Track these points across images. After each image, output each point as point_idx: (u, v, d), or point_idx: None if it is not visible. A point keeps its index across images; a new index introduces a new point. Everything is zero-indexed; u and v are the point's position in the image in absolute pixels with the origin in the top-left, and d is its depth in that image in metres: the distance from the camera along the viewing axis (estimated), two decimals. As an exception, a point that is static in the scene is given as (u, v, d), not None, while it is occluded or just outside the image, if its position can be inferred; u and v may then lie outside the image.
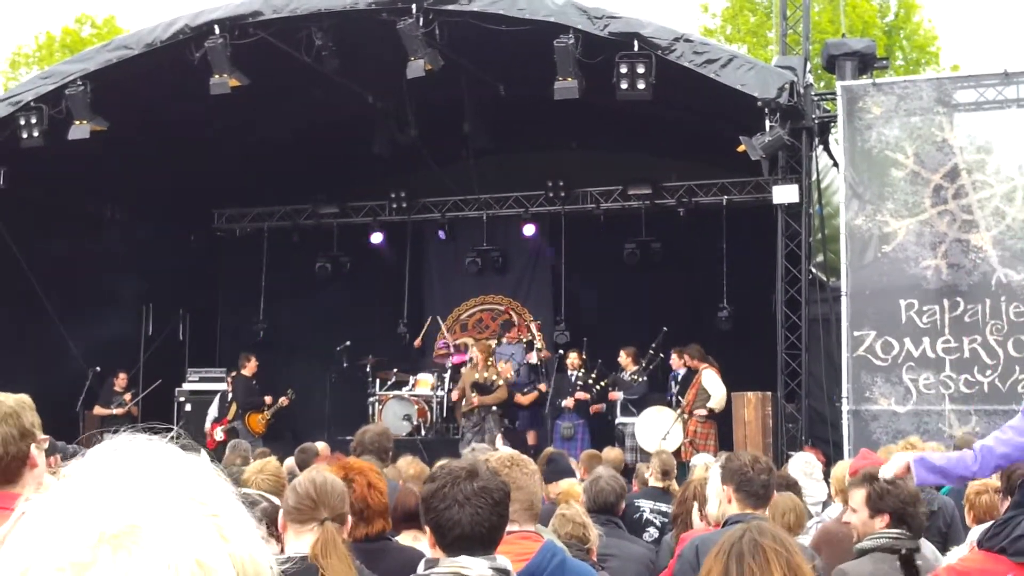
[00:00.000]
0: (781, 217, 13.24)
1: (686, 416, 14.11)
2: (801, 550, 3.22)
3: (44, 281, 16.06)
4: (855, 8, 29.69)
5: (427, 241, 19.75)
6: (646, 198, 17.82)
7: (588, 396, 15.68)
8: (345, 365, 18.32)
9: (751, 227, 15.90)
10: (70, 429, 15.37)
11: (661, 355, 15.31)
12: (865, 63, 13.70)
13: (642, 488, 9.34)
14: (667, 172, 17.74)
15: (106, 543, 1.04)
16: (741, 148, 12.72)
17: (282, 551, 3.90)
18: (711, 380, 14.15)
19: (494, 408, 16.36)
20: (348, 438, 11.59)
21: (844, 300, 12.59)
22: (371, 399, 17.79)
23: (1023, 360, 11.85)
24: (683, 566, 4.99)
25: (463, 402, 16.04)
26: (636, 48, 12.54)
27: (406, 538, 5.59)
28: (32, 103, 14.21)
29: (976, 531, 5.44)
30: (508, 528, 3.53)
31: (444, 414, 17.11)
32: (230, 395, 16.83)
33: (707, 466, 7.89)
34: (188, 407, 17.57)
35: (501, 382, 16.22)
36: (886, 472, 4.89)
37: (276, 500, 4.68)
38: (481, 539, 3.25)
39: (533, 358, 17.05)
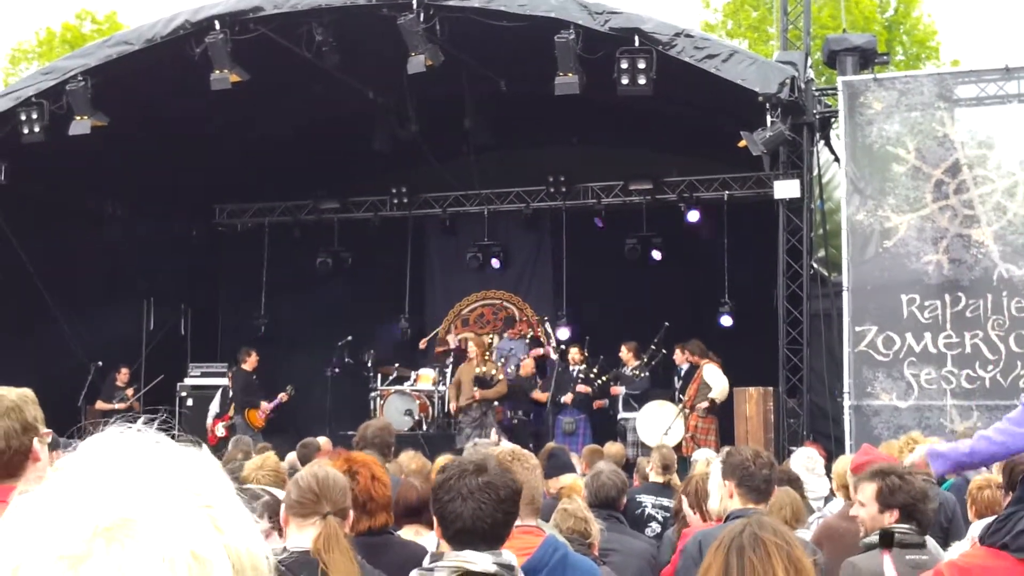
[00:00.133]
0: (782, 212, 13.24)
1: (687, 411, 14.11)
2: (802, 544, 3.22)
3: (45, 276, 16.05)
4: (856, 3, 29.67)
5: (428, 236, 19.74)
6: (647, 193, 17.81)
7: (589, 389, 15.67)
8: (347, 360, 18.32)
9: (752, 222, 15.89)
10: (72, 424, 15.35)
11: (663, 350, 15.30)
12: (866, 58, 13.70)
13: (643, 483, 9.34)
14: (668, 167, 17.73)
15: (100, 536, 1.03)
16: (742, 143, 12.70)
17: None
18: (712, 373, 14.16)
19: (495, 403, 16.39)
20: (350, 433, 11.62)
21: (845, 295, 12.59)
22: (372, 394, 17.80)
23: (1024, 355, 11.87)
24: (686, 561, 4.99)
25: (459, 396, 16.05)
26: (637, 43, 12.54)
27: (408, 533, 5.59)
28: (33, 98, 14.20)
29: (977, 526, 5.44)
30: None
31: (446, 409, 17.11)
32: (231, 393, 16.83)
33: (708, 461, 7.89)
34: (190, 402, 17.60)
35: (501, 376, 16.26)
36: (910, 460, 4.98)
37: (279, 494, 4.68)
38: (483, 534, 3.25)
39: (552, 354, 16.91)
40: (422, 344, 18.54)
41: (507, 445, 4.77)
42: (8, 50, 35.03)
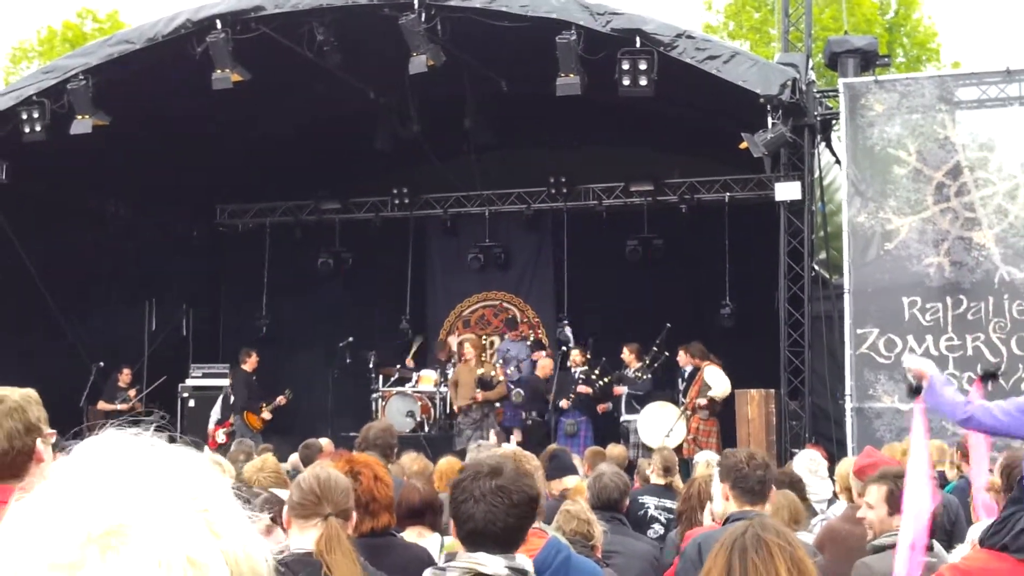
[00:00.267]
0: (783, 214, 13.24)
1: (689, 413, 14.11)
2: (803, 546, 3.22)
3: (47, 276, 16.04)
4: (858, 6, 29.68)
5: (429, 237, 19.74)
6: (648, 195, 17.80)
7: (590, 390, 15.65)
8: (348, 361, 18.32)
9: (753, 224, 15.88)
10: (74, 424, 15.34)
11: (665, 352, 15.27)
12: (867, 60, 13.70)
13: (644, 485, 9.33)
14: (669, 169, 17.72)
15: (94, 543, 1.02)
16: (743, 145, 12.69)
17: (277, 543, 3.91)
18: (713, 374, 14.15)
19: (497, 404, 16.39)
20: (352, 434, 11.63)
21: (847, 297, 12.59)
22: (374, 395, 17.80)
23: (1025, 358, 11.86)
24: (686, 564, 4.99)
25: (458, 397, 16.03)
26: (638, 44, 12.53)
27: (411, 534, 5.59)
28: (34, 97, 14.20)
29: (976, 529, 5.45)
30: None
31: (447, 410, 17.11)
32: (232, 398, 16.78)
33: (709, 463, 7.89)
34: (191, 403, 17.59)
35: (501, 378, 16.26)
36: (909, 362, 5.03)
37: (282, 495, 4.68)
38: (495, 537, 3.25)
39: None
40: (408, 361, 18.43)
41: (507, 447, 4.76)
42: (9, 49, 35.05)
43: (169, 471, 1.10)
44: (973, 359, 12.03)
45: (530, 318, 19.28)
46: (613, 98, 12.84)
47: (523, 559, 3.32)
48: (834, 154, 14.25)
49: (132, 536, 1.02)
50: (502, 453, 4.21)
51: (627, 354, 15.42)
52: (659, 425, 14.13)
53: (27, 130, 14.15)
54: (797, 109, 12.68)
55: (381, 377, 17.96)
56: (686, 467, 11.83)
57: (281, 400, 16.73)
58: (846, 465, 7.25)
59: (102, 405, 16.77)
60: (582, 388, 15.64)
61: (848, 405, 12.34)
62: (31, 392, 3.39)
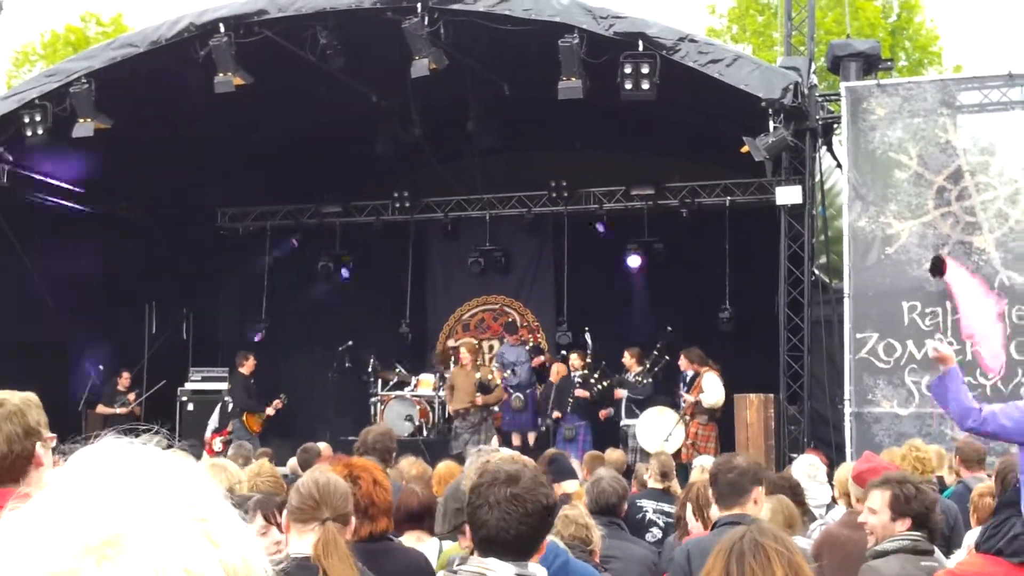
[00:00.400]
0: (784, 218, 13.24)
1: (688, 418, 14.10)
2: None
3: (47, 280, 16.06)
4: (862, 9, 29.68)
5: (430, 241, 19.74)
6: (649, 199, 17.81)
7: (587, 394, 15.65)
8: (347, 365, 18.32)
9: (754, 228, 15.87)
10: (73, 428, 15.38)
11: (666, 356, 15.26)
12: (870, 64, 13.69)
13: (642, 489, 9.33)
14: (670, 173, 17.73)
15: (90, 553, 1.00)
16: (744, 149, 12.70)
17: (284, 543, 3.93)
18: (710, 382, 14.15)
19: (495, 408, 16.40)
20: (351, 438, 11.63)
21: (847, 302, 12.58)
22: (373, 399, 17.80)
23: (1024, 363, 11.86)
24: (675, 571, 5.01)
25: (454, 401, 16.03)
26: (641, 48, 12.54)
27: (409, 539, 5.59)
28: (37, 101, 14.22)
29: (973, 534, 5.46)
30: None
31: (446, 414, 17.11)
32: (230, 406, 16.75)
33: (704, 468, 7.89)
34: (190, 407, 17.57)
35: (499, 382, 16.28)
36: (934, 344, 5.11)
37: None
38: (506, 544, 3.25)
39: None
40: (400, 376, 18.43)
41: (505, 451, 4.76)
42: (12, 52, 35.05)
43: (167, 480, 1.09)
44: (972, 363, 12.02)
45: (530, 322, 19.29)
46: (615, 102, 12.85)
47: (536, 568, 3.32)
48: (835, 158, 14.24)
49: (129, 546, 1.01)
50: (500, 456, 4.20)
51: (628, 358, 15.43)
52: (657, 430, 14.13)
53: (29, 133, 14.17)
54: (799, 113, 12.68)
55: (380, 381, 17.96)
56: (685, 472, 11.83)
57: (277, 404, 16.70)
58: (845, 470, 7.24)
59: (101, 409, 16.76)
60: (580, 392, 15.64)
61: (847, 410, 12.34)
62: (31, 396, 3.39)
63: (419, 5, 12.81)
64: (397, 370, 18.02)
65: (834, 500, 7.85)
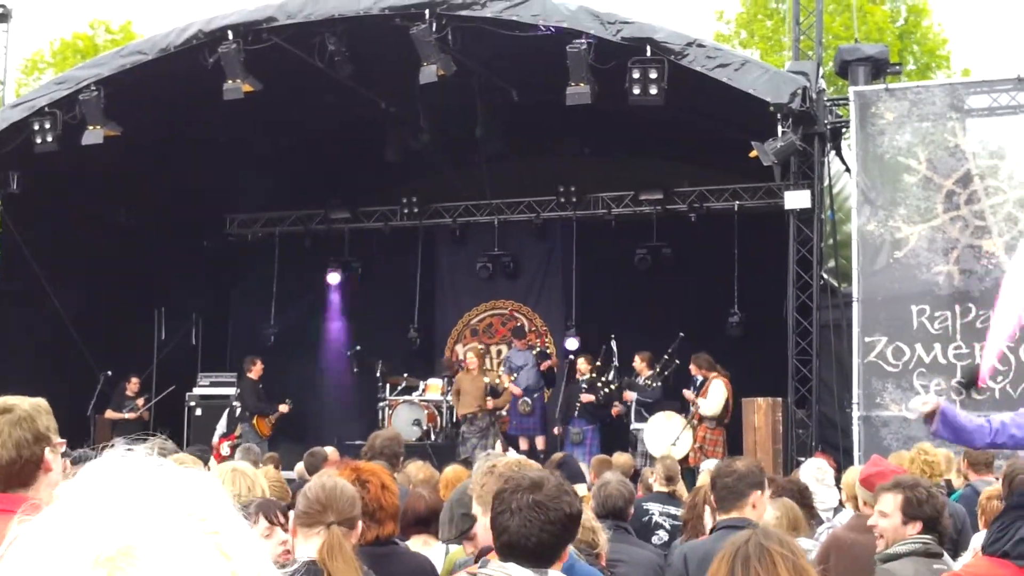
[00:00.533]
0: (793, 222, 13.23)
1: (695, 422, 14.10)
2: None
3: (57, 285, 16.11)
4: (870, 14, 29.64)
5: (439, 246, 19.76)
6: (658, 203, 17.81)
7: (593, 398, 15.65)
8: (356, 370, 18.34)
9: (763, 233, 15.87)
10: (82, 434, 15.43)
11: (677, 361, 15.24)
12: (878, 68, 13.68)
13: (647, 493, 9.33)
14: (679, 178, 17.73)
15: (101, 566, 1.00)
16: (753, 153, 12.69)
17: (290, 544, 3.95)
18: (714, 389, 14.14)
19: (503, 412, 16.41)
20: (358, 443, 11.64)
21: (855, 306, 12.56)
22: (381, 404, 17.82)
23: (1034, 366, 11.83)
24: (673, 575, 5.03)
25: (461, 405, 16.03)
26: (649, 53, 12.54)
27: (416, 543, 5.61)
28: (46, 108, 14.27)
29: (979, 537, 5.46)
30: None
31: (454, 419, 17.12)
32: (238, 411, 16.78)
33: (710, 472, 7.88)
34: (199, 412, 17.57)
35: (507, 386, 16.29)
36: (915, 404, 5.01)
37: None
38: (525, 552, 3.25)
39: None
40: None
41: (511, 455, 4.77)
42: (22, 60, 35.14)
43: (178, 492, 1.09)
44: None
45: (538, 327, 19.29)
46: (623, 107, 12.86)
47: (556, 575, 3.32)
48: (844, 162, 14.23)
49: (140, 558, 1.01)
50: (506, 461, 4.22)
51: (639, 362, 15.41)
52: (665, 434, 14.12)
53: (39, 141, 14.22)
54: (807, 117, 12.67)
55: (388, 386, 17.97)
56: (693, 476, 11.82)
57: (284, 408, 16.74)
58: (852, 474, 7.25)
59: (110, 414, 16.78)
60: (585, 397, 15.65)
61: (855, 414, 12.31)
62: (41, 401, 3.40)
63: (427, 11, 12.83)
64: (405, 376, 18.05)
65: (841, 504, 7.84)
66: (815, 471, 8.22)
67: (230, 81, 13.45)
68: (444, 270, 19.88)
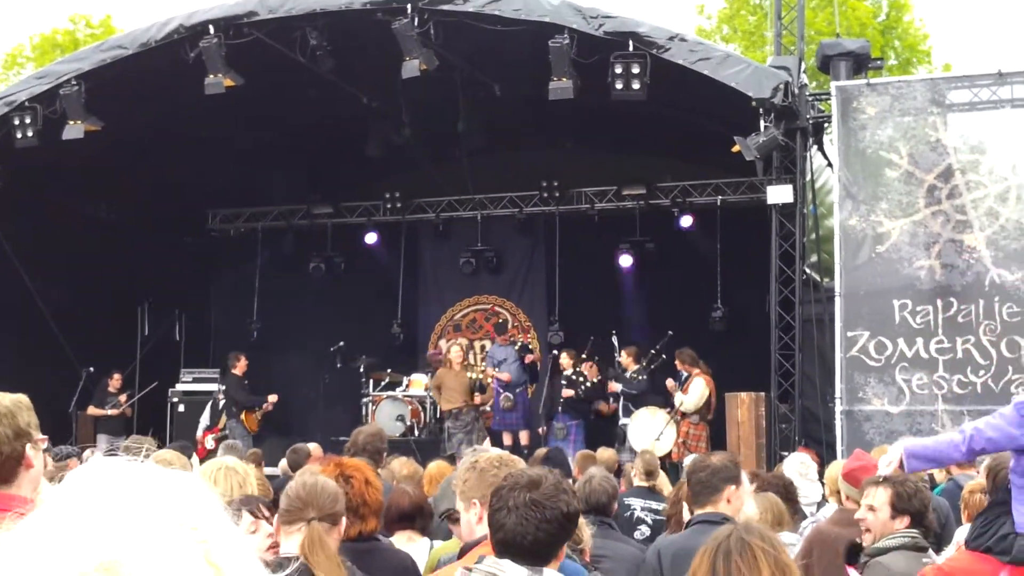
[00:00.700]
0: (775, 217, 13.25)
1: (678, 418, 14.12)
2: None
3: (38, 281, 16.03)
4: (853, 10, 29.73)
5: (421, 241, 19.74)
6: (640, 198, 17.82)
7: (572, 393, 15.65)
8: (339, 365, 18.31)
9: (745, 227, 15.88)
10: (64, 430, 15.37)
11: (663, 356, 15.25)
12: (859, 63, 13.71)
13: (629, 487, 9.34)
14: (661, 172, 17.75)
15: None
16: (735, 148, 12.71)
17: (272, 536, 3.96)
18: (694, 388, 14.17)
19: (487, 408, 16.41)
20: (342, 439, 11.63)
21: (838, 300, 12.60)
22: (364, 400, 17.79)
23: (1016, 360, 11.87)
24: (647, 572, 5.03)
25: (444, 401, 16.01)
26: (631, 48, 12.55)
27: (400, 539, 5.61)
28: (26, 103, 14.19)
29: (962, 531, 5.49)
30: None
31: (438, 415, 17.11)
32: (221, 402, 16.74)
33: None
34: (181, 408, 17.54)
35: (489, 382, 16.30)
36: (884, 469, 4.98)
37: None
38: (521, 549, 3.24)
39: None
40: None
41: (494, 451, 4.76)
42: (2, 55, 34.97)
43: (166, 500, 1.07)
44: (963, 361, 12.05)
45: (521, 322, 19.30)
46: (606, 102, 12.85)
47: (551, 573, 3.31)
48: (826, 157, 14.27)
49: (125, 572, 1.00)
50: (488, 457, 4.21)
51: (625, 357, 15.43)
52: (649, 430, 14.14)
53: (19, 135, 14.15)
54: (789, 112, 12.70)
55: (372, 381, 17.95)
56: (676, 471, 11.84)
57: (272, 399, 16.73)
58: (835, 468, 7.26)
59: (92, 410, 16.71)
60: (565, 391, 15.66)
61: (838, 408, 12.35)
62: (22, 397, 3.38)
63: (409, 6, 12.80)
64: (388, 371, 18.02)
65: (825, 498, 7.86)
66: (798, 466, 8.25)
67: (211, 76, 13.40)
68: (427, 265, 19.87)
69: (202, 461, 9.23)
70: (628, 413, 14.95)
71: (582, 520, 5.59)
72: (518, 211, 18.74)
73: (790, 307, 13.19)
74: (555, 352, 17.04)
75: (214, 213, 20.20)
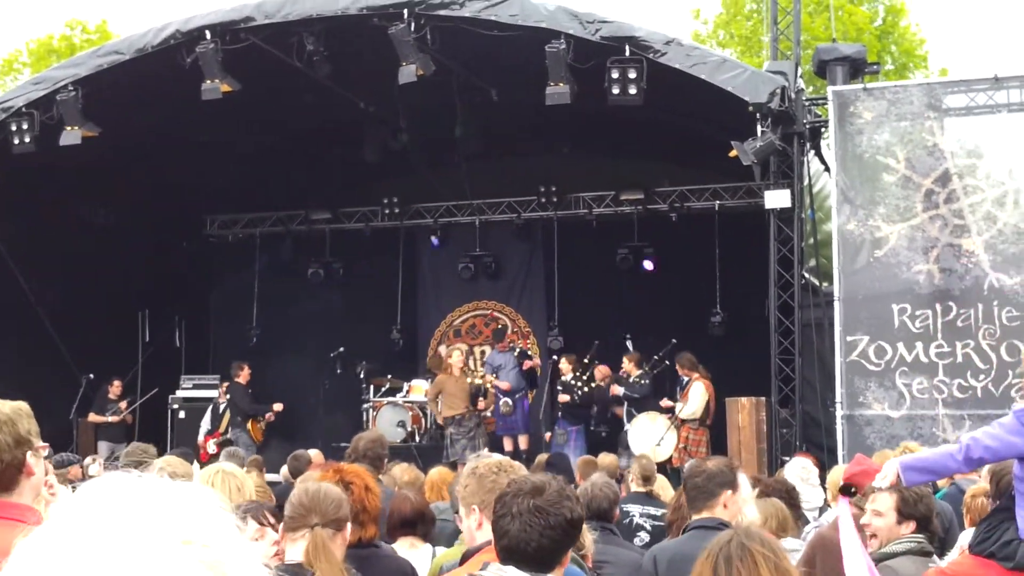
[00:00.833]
0: (773, 222, 13.26)
1: (679, 423, 14.11)
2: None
3: (37, 288, 16.01)
4: (850, 15, 29.77)
5: (420, 247, 19.72)
6: (638, 203, 17.82)
7: (568, 398, 15.64)
8: (339, 371, 18.29)
9: (743, 232, 15.87)
10: (64, 437, 15.34)
11: (666, 362, 15.22)
12: (856, 68, 13.72)
13: (628, 493, 9.33)
14: (659, 177, 17.74)
15: None
16: (733, 153, 12.72)
17: (277, 543, 3.95)
18: (695, 391, 14.16)
19: (488, 414, 16.38)
20: (343, 445, 11.60)
21: (837, 305, 12.60)
22: (365, 405, 17.76)
23: (1016, 364, 11.86)
24: None
25: (445, 407, 15.97)
26: (628, 53, 12.55)
27: (402, 545, 5.59)
28: (23, 109, 14.18)
29: (966, 536, 5.47)
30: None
31: (438, 420, 17.08)
32: (222, 407, 16.72)
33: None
34: (182, 414, 17.51)
35: (488, 387, 16.28)
36: (881, 484, 4.95)
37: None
38: (525, 556, 3.23)
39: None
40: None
41: (495, 456, 4.75)
42: (-1, 60, 34.95)
43: (174, 518, 1.06)
44: (963, 366, 12.05)
45: (520, 327, 19.28)
46: (603, 107, 12.86)
47: None
48: (823, 162, 14.27)
49: None
50: (487, 463, 4.20)
51: (627, 363, 15.42)
52: (649, 435, 14.14)
53: (16, 141, 14.14)
54: (786, 117, 12.71)
55: (372, 387, 17.92)
56: (678, 476, 11.81)
57: (277, 408, 16.73)
58: (836, 473, 7.25)
59: (92, 418, 16.70)
60: (561, 397, 15.65)
61: (838, 412, 12.34)
62: (22, 405, 3.36)
63: (405, 11, 12.80)
64: (388, 377, 18.01)
65: (826, 503, 7.84)
66: (800, 471, 8.23)
67: (208, 81, 13.38)
68: (426, 271, 19.85)
69: (203, 466, 9.21)
70: (631, 418, 14.94)
71: (584, 526, 5.58)
72: (516, 216, 18.73)
73: (789, 312, 13.19)
74: (555, 357, 17.02)
75: (212, 219, 20.18)
